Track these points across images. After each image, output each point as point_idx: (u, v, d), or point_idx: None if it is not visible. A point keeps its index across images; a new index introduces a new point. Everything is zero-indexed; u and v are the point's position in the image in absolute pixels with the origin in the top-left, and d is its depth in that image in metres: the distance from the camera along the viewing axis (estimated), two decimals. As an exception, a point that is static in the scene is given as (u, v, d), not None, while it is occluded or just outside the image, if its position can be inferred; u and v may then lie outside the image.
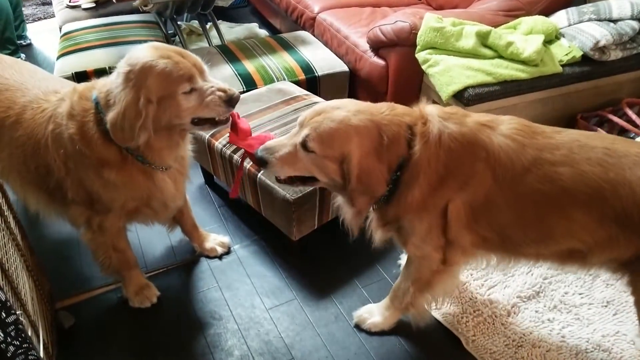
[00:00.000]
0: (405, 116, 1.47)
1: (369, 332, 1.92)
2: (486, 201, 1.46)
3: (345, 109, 1.46)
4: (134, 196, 1.73)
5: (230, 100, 1.62)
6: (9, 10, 3.69)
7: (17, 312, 1.38)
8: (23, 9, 4.30)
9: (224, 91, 1.62)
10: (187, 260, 2.23)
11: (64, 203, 1.77)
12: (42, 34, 4.38)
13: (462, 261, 1.66)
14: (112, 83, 1.56)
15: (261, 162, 1.54)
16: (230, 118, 1.70)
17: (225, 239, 2.29)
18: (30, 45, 4.24)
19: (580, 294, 2.04)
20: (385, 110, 1.47)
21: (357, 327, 1.94)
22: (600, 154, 1.38)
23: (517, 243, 1.54)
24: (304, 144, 1.46)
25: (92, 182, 1.66)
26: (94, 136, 1.59)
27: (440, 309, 1.98)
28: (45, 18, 4.61)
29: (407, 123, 1.46)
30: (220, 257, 2.25)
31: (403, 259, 2.15)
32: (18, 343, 1.43)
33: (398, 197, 1.51)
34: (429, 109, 1.50)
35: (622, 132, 2.61)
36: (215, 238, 2.28)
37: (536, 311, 1.97)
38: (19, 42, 4.08)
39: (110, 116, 1.52)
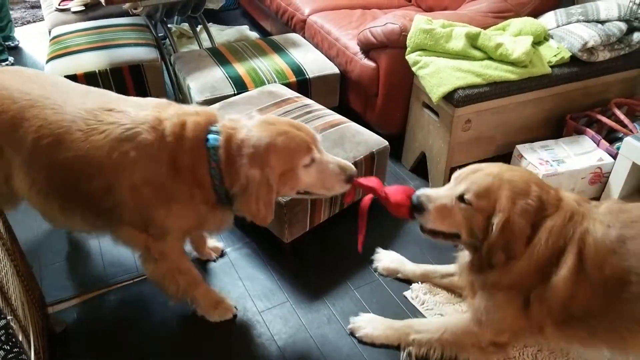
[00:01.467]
0: (552, 191, 1.57)
1: (360, 341, 1.90)
2: (570, 291, 1.50)
3: (499, 167, 1.58)
4: (195, 221, 1.74)
5: (350, 179, 1.68)
6: None
7: (8, 317, 1.37)
8: (11, 12, 4.27)
9: (344, 170, 1.67)
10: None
11: (116, 223, 1.70)
12: (31, 38, 4.36)
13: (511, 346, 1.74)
14: (237, 148, 1.58)
15: (418, 208, 1.61)
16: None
17: (219, 244, 2.28)
18: (18, 47, 4.21)
19: None
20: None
21: (352, 334, 1.92)
22: None
23: (604, 332, 1.54)
24: (461, 197, 1.55)
25: (167, 212, 1.64)
26: (203, 179, 1.61)
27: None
28: (34, 21, 4.58)
29: (555, 194, 1.55)
30: (214, 260, 2.24)
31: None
32: (9, 347, 1.41)
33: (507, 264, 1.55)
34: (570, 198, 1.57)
35: (611, 132, 2.64)
36: (210, 242, 2.27)
37: (527, 311, 1.98)
38: (6, 43, 4.06)
39: (246, 204, 1.60)
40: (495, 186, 1.52)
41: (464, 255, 1.76)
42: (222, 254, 2.27)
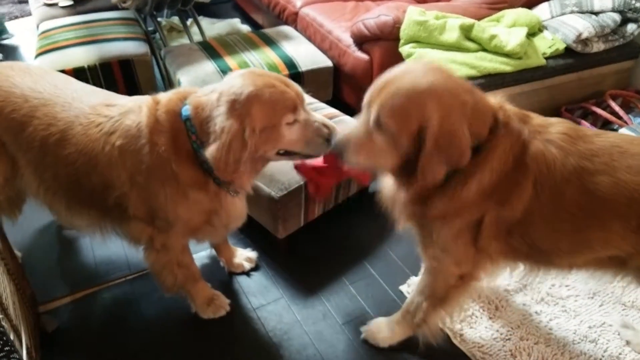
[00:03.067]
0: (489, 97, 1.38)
1: (377, 348, 1.84)
2: (523, 216, 1.39)
3: (408, 72, 1.32)
4: (200, 215, 1.67)
5: (331, 140, 1.53)
6: None
7: (-1, 316, 1.35)
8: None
9: (327, 128, 1.54)
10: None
11: (122, 219, 1.69)
12: (19, 33, 4.29)
13: (480, 275, 1.58)
14: (210, 107, 1.49)
15: (339, 153, 1.42)
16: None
17: (252, 254, 2.18)
18: (5, 43, 4.15)
19: (566, 286, 2.04)
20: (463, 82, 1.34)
21: (365, 342, 1.86)
22: None
23: (549, 253, 1.47)
24: (377, 123, 1.32)
25: (165, 198, 1.58)
26: (185, 155, 1.54)
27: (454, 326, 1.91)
28: (22, 16, 4.51)
29: (493, 104, 1.36)
30: (247, 273, 2.15)
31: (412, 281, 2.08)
32: (0, 346, 1.40)
33: (450, 187, 1.37)
34: (507, 105, 1.41)
35: (606, 124, 2.63)
36: (242, 253, 2.17)
37: (524, 304, 1.98)
38: (3, 36, 3.99)
39: (213, 149, 1.44)
40: (413, 98, 1.27)
41: (387, 183, 1.59)
42: (256, 267, 2.16)
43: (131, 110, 1.58)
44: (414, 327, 1.76)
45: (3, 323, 1.39)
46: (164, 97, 1.60)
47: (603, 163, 1.32)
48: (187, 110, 1.53)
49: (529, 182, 1.35)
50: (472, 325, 1.90)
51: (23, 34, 4.03)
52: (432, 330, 1.73)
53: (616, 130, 2.45)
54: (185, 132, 1.53)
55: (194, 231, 1.74)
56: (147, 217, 1.65)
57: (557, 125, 1.39)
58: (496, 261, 1.55)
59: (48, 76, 1.75)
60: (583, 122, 2.59)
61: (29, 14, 4.28)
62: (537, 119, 1.42)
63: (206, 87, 1.59)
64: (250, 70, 1.56)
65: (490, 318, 1.93)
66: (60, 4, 3.54)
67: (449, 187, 1.38)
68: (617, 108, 2.56)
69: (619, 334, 1.87)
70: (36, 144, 1.63)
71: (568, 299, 1.99)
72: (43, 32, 3.15)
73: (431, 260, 1.59)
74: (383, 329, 1.85)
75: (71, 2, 3.55)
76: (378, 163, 1.41)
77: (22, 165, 1.71)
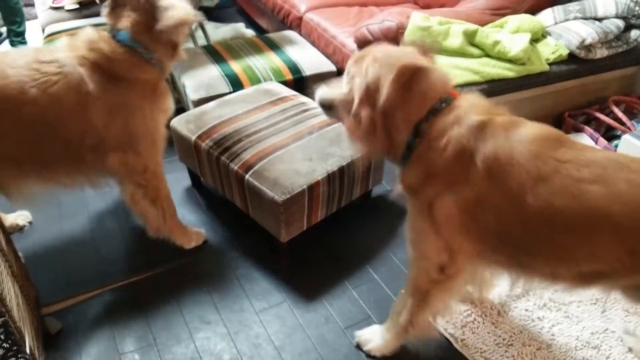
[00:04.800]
0: (445, 83, 1.43)
1: (369, 356, 1.83)
2: (481, 208, 1.35)
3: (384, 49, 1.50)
4: (162, 124, 1.94)
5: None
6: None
7: (5, 315, 1.36)
8: None
9: None
10: (174, 265, 2.20)
11: (98, 160, 1.85)
12: (25, 35, 4.31)
13: (461, 272, 1.53)
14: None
15: (325, 106, 1.60)
16: None
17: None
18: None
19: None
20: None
21: (358, 347, 1.86)
22: None
23: (530, 259, 1.40)
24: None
25: (142, 112, 1.84)
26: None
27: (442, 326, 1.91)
28: (28, 20, 4.54)
29: (443, 90, 1.41)
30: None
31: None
32: (8, 345, 1.41)
33: (408, 164, 1.45)
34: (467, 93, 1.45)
35: (609, 130, 2.63)
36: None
37: (526, 310, 1.98)
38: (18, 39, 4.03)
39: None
40: (365, 57, 1.45)
41: None
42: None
43: (72, 58, 1.76)
44: (402, 330, 1.73)
45: (10, 324, 1.40)
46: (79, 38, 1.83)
47: (594, 174, 1.23)
48: (125, 34, 1.78)
49: (480, 173, 1.32)
50: (474, 330, 1.90)
51: (29, 36, 4.05)
52: (420, 333, 1.70)
53: (619, 136, 2.45)
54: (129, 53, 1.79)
55: (162, 140, 1.97)
56: (124, 144, 1.84)
57: (532, 127, 1.35)
58: (472, 260, 1.50)
59: None
60: (586, 128, 2.59)
61: (35, 17, 4.31)
62: (508, 117, 1.40)
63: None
64: None
65: (492, 323, 1.93)
66: (66, 8, 3.56)
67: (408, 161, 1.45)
68: (620, 114, 2.57)
69: (621, 341, 1.87)
70: None
71: (571, 304, 1.99)
72: (49, 35, 3.18)
73: (410, 248, 1.58)
74: (375, 337, 1.83)
75: (77, 6, 3.58)
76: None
77: None
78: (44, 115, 1.73)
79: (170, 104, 1.99)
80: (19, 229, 2.34)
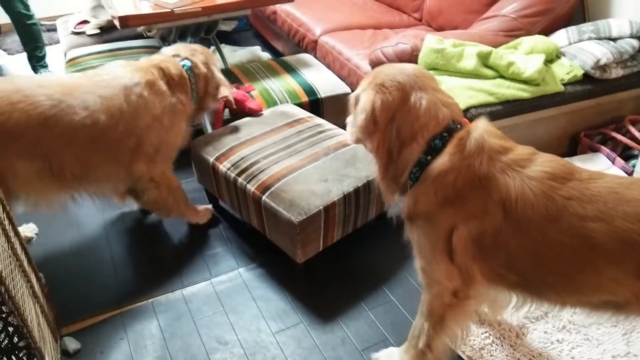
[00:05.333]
0: (450, 107, 1.43)
1: None
2: (495, 241, 1.38)
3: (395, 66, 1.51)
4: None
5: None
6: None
7: (28, 337, 1.38)
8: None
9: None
10: (191, 284, 2.22)
11: (130, 162, 2.14)
12: (48, 60, 4.42)
13: (475, 295, 1.55)
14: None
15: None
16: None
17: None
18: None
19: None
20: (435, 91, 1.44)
21: None
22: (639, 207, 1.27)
23: (538, 288, 1.44)
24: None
25: (179, 131, 2.25)
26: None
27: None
28: (50, 44, 4.66)
29: (450, 116, 1.41)
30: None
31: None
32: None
33: (413, 188, 1.45)
34: (480, 121, 1.44)
35: (626, 149, 2.61)
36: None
37: (545, 332, 1.95)
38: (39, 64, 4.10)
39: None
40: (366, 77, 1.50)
41: None
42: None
43: (137, 72, 2.14)
44: (420, 354, 1.72)
45: (32, 346, 1.42)
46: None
47: (597, 210, 1.29)
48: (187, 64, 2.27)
49: (498, 212, 1.35)
50: (492, 353, 1.88)
51: (51, 61, 4.15)
52: (437, 358, 1.70)
53: (636, 156, 2.44)
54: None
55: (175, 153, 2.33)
56: (150, 155, 2.16)
57: (542, 163, 1.37)
58: (484, 286, 1.52)
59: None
60: (602, 147, 2.58)
61: (57, 42, 4.41)
62: (521, 151, 1.41)
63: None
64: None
65: (510, 345, 1.90)
66: (88, 33, 3.65)
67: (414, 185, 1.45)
68: (637, 133, 2.55)
69: (643, 364, 1.84)
70: (34, 122, 1.87)
71: (591, 327, 1.96)
72: (71, 60, 3.26)
73: (421, 274, 1.59)
74: (394, 358, 1.82)
75: (98, 31, 3.67)
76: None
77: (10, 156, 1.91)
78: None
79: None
80: (28, 240, 2.42)
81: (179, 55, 2.31)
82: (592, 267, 1.32)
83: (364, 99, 1.45)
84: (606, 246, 1.27)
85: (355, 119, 1.49)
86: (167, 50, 2.35)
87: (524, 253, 1.37)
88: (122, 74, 2.09)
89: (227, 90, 2.40)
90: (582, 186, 1.32)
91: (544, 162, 1.37)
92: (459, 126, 1.41)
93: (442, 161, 1.38)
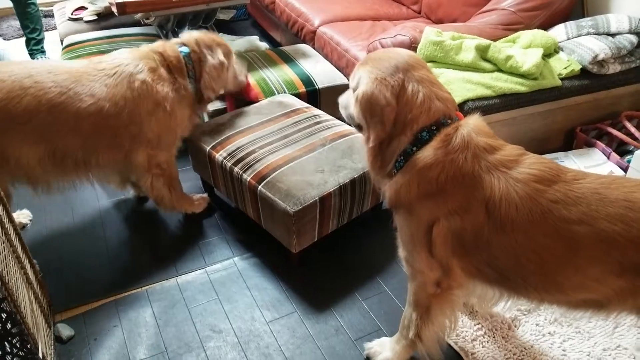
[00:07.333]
0: (445, 102, 1.42)
1: None
2: (476, 239, 1.39)
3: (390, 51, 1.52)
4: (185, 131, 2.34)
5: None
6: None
7: (21, 323, 1.39)
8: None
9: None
10: (186, 272, 2.22)
11: (131, 150, 2.15)
12: (44, 46, 4.40)
13: (457, 286, 1.56)
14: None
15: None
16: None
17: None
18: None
19: (581, 307, 2.03)
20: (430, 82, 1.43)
21: (368, 359, 1.86)
22: (621, 208, 1.26)
23: (517, 286, 1.44)
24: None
25: (182, 117, 2.24)
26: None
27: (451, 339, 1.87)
28: (47, 30, 4.63)
29: (442, 111, 1.41)
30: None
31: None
32: (23, 354, 1.43)
33: (396, 177, 1.46)
34: (471, 117, 1.44)
35: (621, 145, 2.62)
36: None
37: (537, 324, 1.97)
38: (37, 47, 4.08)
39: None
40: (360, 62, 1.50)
41: None
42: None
43: (142, 60, 2.14)
44: (411, 344, 1.74)
45: (25, 332, 1.42)
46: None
47: (581, 212, 1.28)
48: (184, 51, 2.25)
49: (481, 210, 1.35)
50: (484, 344, 1.90)
51: (48, 47, 4.13)
52: (427, 347, 1.71)
53: (632, 151, 2.45)
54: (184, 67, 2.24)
55: (179, 141, 2.34)
56: (152, 142, 2.16)
57: (530, 164, 1.36)
58: (464, 279, 1.53)
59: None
60: (598, 143, 2.59)
61: (54, 28, 4.39)
62: (509, 151, 1.40)
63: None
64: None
65: (503, 337, 1.92)
66: (85, 19, 3.63)
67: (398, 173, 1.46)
68: (633, 129, 2.56)
69: (634, 358, 1.85)
70: (43, 108, 1.91)
71: (582, 320, 1.98)
72: (67, 46, 3.24)
73: (404, 263, 1.61)
74: (385, 350, 1.83)
75: (95, 17, 3.65)
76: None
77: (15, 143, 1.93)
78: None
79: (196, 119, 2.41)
80: (22, 227, 2.43)
81: (198, 43, 2.29)
82: (574, 268, 1.32)
83: (368, 97, 1.42)
84: (589, 248, 1.28)
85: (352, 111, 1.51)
86: (188, 36, 2.32)
87: (505, 253, 1.37)
88: (126, 61, 2.10)
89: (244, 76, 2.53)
90: (567, 188, 1.32)
91: (531, 164, 1.37)
92: (449, 121, 1.41)
93: (426, 154, 1.39)
